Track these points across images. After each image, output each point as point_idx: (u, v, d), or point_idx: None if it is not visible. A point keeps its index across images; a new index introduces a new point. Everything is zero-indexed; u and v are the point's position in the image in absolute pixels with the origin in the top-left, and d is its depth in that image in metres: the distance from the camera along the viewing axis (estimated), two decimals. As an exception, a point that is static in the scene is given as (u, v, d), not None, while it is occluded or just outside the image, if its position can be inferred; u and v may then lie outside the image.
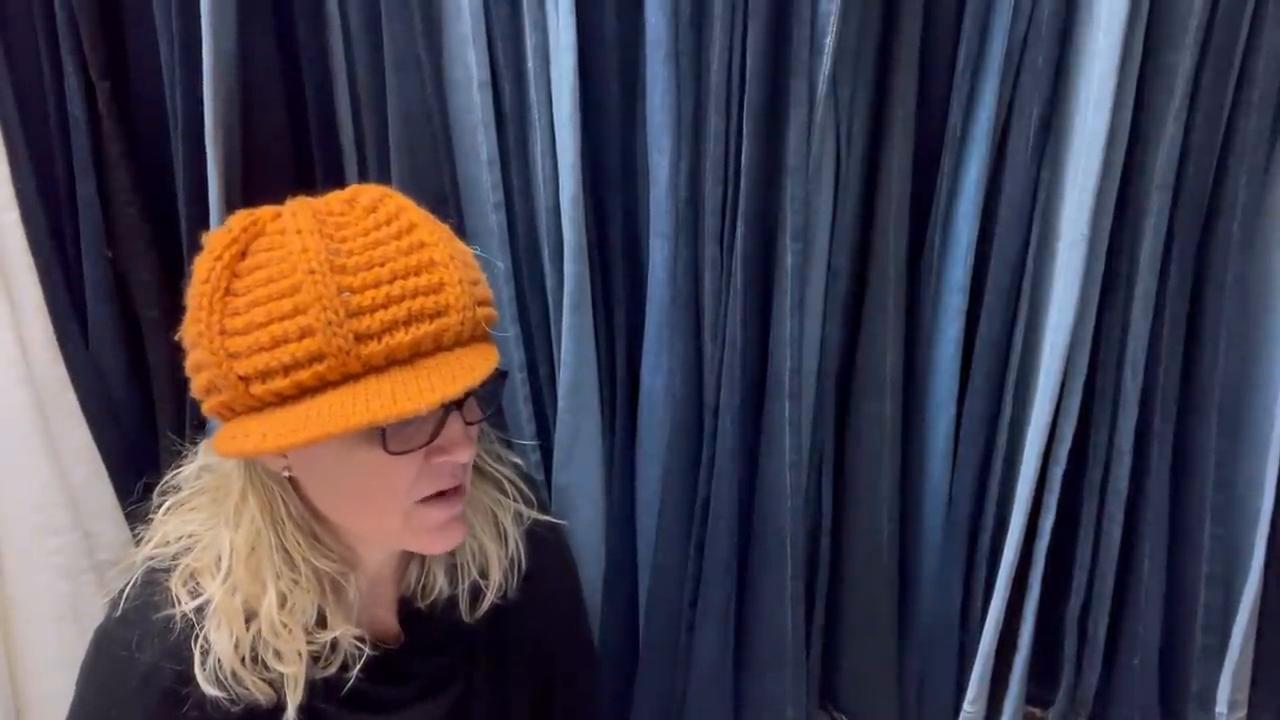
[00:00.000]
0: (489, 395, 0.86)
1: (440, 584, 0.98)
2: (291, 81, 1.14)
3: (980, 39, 1.05)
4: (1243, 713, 1.16)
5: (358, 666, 0.91)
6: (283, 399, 0.77)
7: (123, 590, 0.89)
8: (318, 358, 0.75)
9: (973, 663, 1.18)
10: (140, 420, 1.26)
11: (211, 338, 0.78)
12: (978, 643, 1.17)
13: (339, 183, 1.18)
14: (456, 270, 0.80)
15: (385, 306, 0.76)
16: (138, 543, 0.95)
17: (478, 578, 0.98)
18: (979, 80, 1.06)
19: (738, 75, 1.06)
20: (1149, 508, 1.12)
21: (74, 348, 1.21)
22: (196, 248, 1.12)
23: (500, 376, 0.86)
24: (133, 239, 1.18)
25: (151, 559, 0.90)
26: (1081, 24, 1.02)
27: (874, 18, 1.07)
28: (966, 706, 1.20)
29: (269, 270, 0.78)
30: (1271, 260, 1.07)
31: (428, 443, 0.81)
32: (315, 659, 0.89)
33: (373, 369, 0.77)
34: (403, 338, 0.77)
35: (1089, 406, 1.12)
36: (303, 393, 0.76)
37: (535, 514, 1.04)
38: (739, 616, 1.22)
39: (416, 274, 0.78)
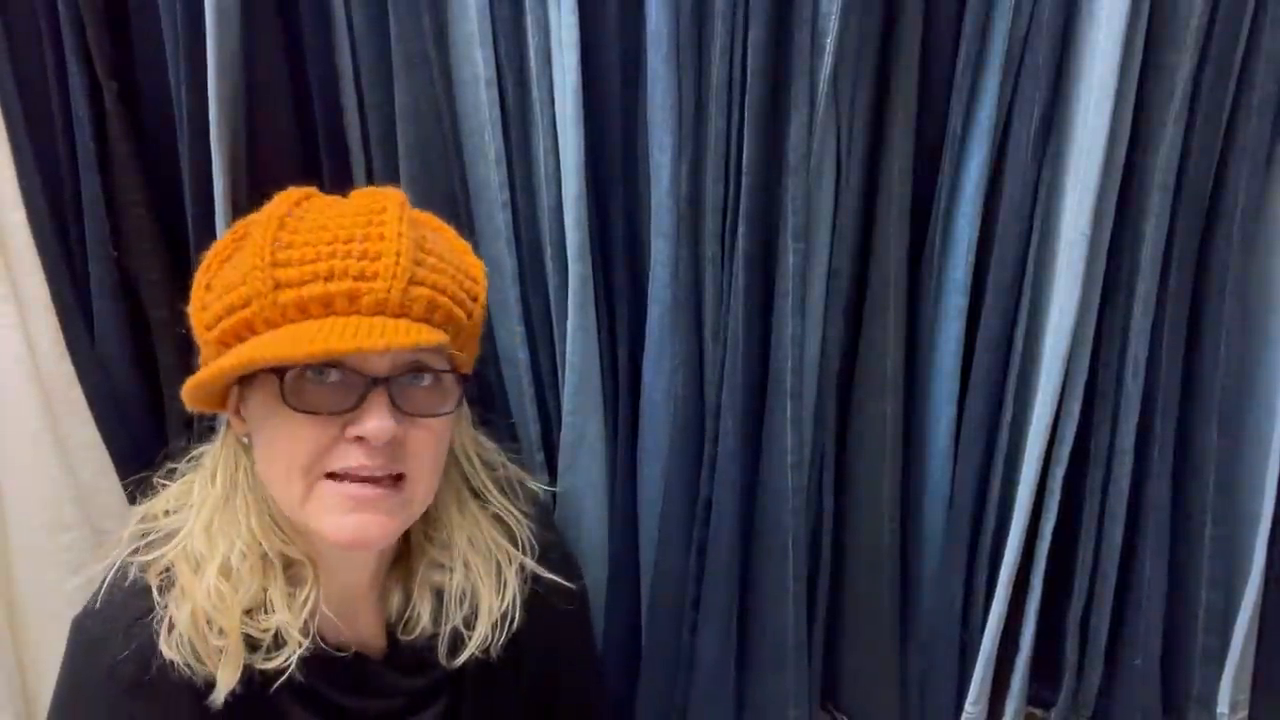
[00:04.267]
0: (444, 391, 0.85)
1: (424, 622, 0.96)
2: (297, 81, 1.15)
3: (980, 39, 1.05)
4: (1244, 713, 1.16)
5: (293, 663, 0.88)
6: (226, 346, 0.80)
7: (101, 580, 0.90)
8: (245, 302, 0.78)
9: (974, 663, 1.18)
10: (147, 417, 1.27)
11: (198, 294, 0.83)
12: (979, 643, 1.17)
13: (345, 182, 1.18)
14: (406, 246, 0.79)
15: (312, 262, 0.78)
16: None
17: (460, 626, 0.96)
18: (979, 80, 1.06)
19: (739, 74, 1.06)
20: (1150, 508, 1.12)
21: (80, 345, 1.22)
22: (203, 247, 1.15)
23: (458, 376, 0.86)
24: (140, 238, 1.19)
25: (143, 535, 0.91)
26: (1081, 24, 1.02)
27: (874, 17, 1.07)
28: (968, 707, 1.19)
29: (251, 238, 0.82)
30: (1272, 261, 1.07)
31: (340, 411, 0.80)
32: (254, 647, 0.87)
33: (289, 320, 0.78)
34: (315, 289, 0.77)
35: (1090, 407, 1.12)
36: (238, 340, 0.80)
37: (546, 573, 1.01)
38: (741, 617, 1.22)
39: (357, 241, 0.79)
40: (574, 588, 1.06)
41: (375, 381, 0.80)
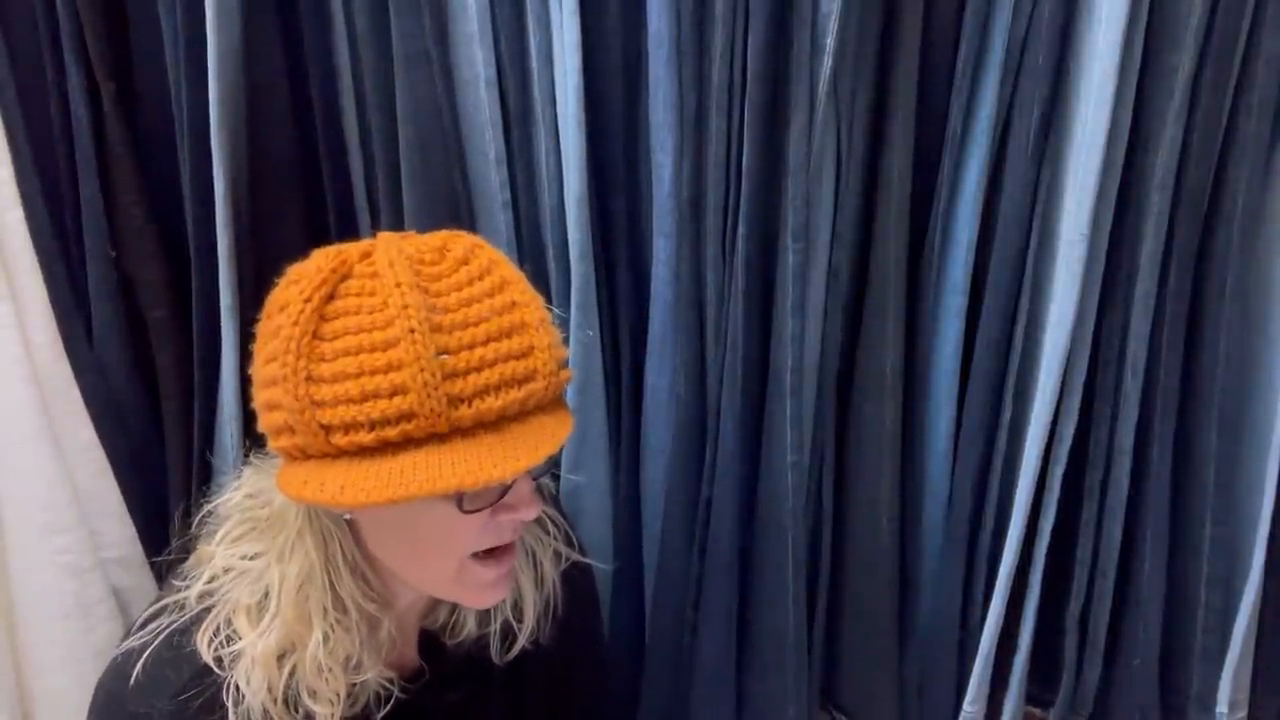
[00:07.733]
0: None
1: (469, 625, 0.97)
2: (297, 80, 1.15)
3: (980, 39, 1.05)
4: (1243, 713, 1.17)
5: (385, 708, 0.89)
6: (362, 451, 0.75)
7: (143, 648, 0.85)
8: (408, 416, 0.73)
9: (973, 663, 1.18)
10: (145, 418, 1.26)
11: (296, 383, 0.74)
12: (978, 643, 1.17)
13: (344, 183, 1.19)
14: (545, 334, 0.79)
15: (479, 370, 0.75)
16: (163, 562, 0.94)
17: (510, 618, 0.97)
18: (979, 80, 1.07)
19: (739, 75, 1.06)
20: (1149, 508, 1.12)
21: (78, 346, 1.21)
22: (204, 247, 1.16)
23: None
24: (138, 239, 1.19)
25: (203, 597, 0.87)
26: (1081, 24, 1.02)
27: (874, 18, 1.07)
28: (966, 707, 1.20)
29: (361, 319, 0.75)
30: (1271, 261, 1.07)
31: (496, 501, 0.81)
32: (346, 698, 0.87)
33: (458, 430, 0.75)
34: (493, 403, 0.75)
35: (1089, 406, 1.13)
36: (384, 447, 0.74)
37: (575, 555, 1.02)
38: (741, 617, 1.22)
39: (509, 336, 0.77)
40: (591, 564, 1.08)
41: None
